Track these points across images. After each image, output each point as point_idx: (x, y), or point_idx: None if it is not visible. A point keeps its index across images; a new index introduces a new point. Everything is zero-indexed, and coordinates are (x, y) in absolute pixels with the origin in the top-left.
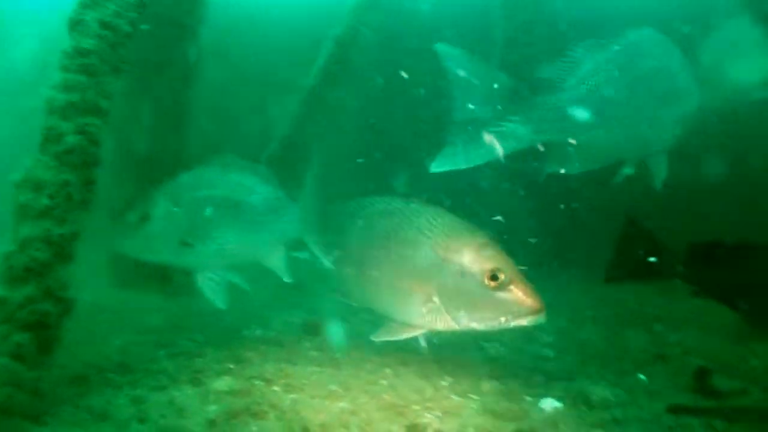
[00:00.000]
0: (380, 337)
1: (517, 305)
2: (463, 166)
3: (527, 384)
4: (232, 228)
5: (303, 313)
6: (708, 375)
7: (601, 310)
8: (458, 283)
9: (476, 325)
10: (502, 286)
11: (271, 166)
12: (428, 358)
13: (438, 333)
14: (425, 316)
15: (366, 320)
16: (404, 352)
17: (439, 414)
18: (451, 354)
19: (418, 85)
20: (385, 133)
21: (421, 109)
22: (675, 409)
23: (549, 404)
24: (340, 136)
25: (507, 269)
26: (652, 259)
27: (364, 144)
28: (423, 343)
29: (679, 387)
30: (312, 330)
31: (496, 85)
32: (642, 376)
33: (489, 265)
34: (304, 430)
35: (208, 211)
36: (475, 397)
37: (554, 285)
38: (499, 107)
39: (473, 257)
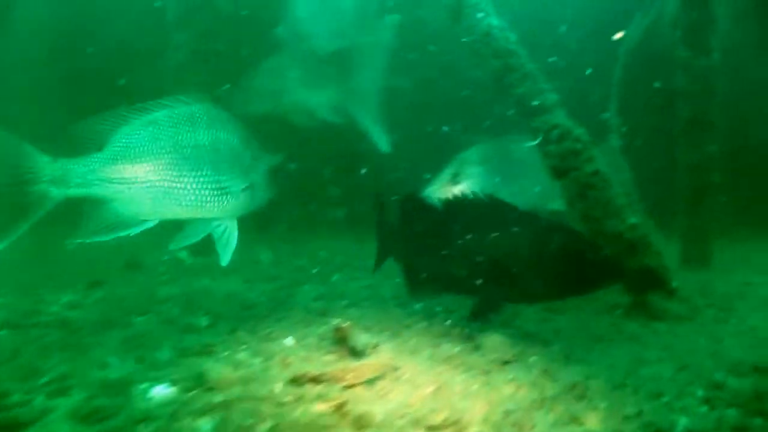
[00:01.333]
0: (179, 244)
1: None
2: None
3: (151, 366)
4: None
5: None
6: (347, 333)
7: (288, 265)
8: (259, 168)
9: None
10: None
11: None
12: (57, 342)
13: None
14: (236, 206)
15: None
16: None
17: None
18: (88, 334)
19: None
20: None
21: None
22: (295, 379)
23: (160, 391)
24: None
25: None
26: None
27: None
28: None
29: (325, 349)
30: None
31: None
32: (288, 342)
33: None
34: None
35: None
36: (77, 395)
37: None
38: None
39: (261, 146)
